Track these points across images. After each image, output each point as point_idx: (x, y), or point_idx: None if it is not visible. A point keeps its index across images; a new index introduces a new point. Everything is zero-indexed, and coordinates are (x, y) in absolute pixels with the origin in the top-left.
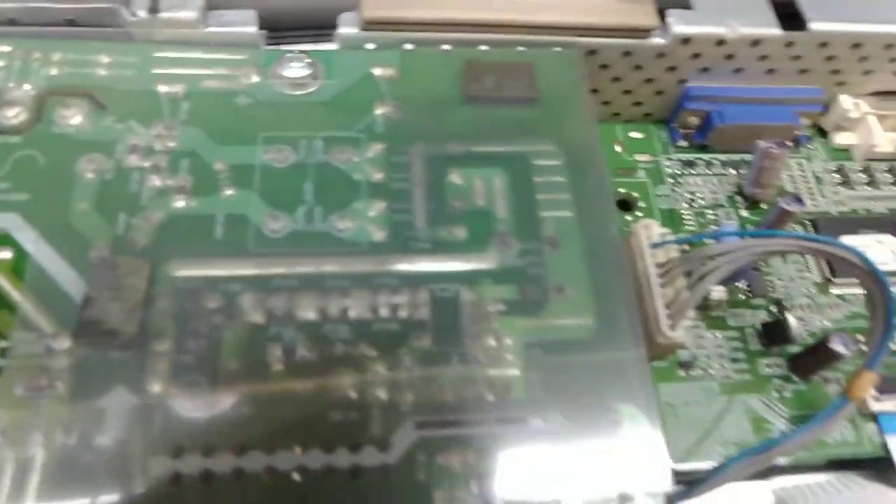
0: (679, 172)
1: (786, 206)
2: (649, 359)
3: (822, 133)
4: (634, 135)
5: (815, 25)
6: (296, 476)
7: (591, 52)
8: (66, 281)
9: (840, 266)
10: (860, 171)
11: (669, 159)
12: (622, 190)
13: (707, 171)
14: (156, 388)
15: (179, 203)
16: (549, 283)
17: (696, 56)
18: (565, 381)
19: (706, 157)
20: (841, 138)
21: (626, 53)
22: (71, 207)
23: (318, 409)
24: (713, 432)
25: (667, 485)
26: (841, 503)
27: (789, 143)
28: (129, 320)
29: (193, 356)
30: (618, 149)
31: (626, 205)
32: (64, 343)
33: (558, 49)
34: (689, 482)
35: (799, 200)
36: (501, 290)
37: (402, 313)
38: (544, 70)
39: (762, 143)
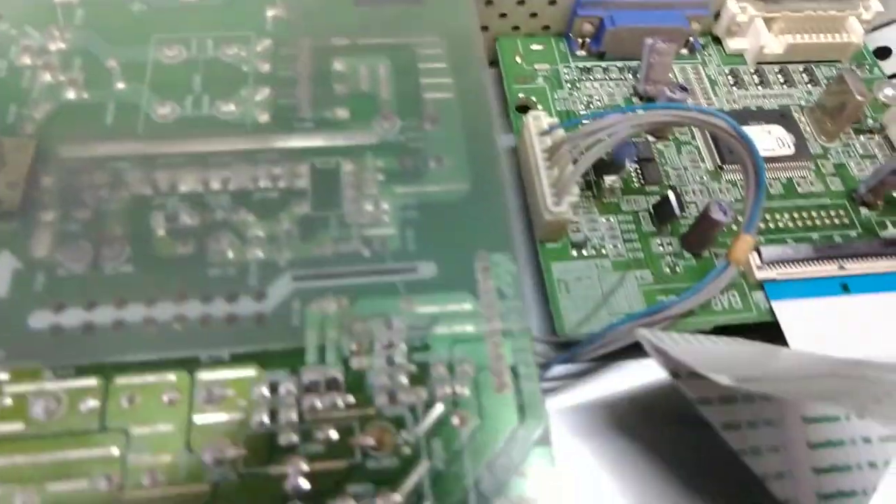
0: (577, 78)
1: (671, 95)
2: (541, 239)
3: (718, 41)
4: (535, 47)
5: None
6: (176, 326)
7: None
8: None
9: (723, 149)
10: (753, 74)
11: (568, 67)
12: (521, 95)
13: (604, 77)
14: (40, 252)
15: (70, 95)
16: (427, 154)
17: None
18: (438, 237)
19: (604, 64)
20: (733, 43)
21: None
22: None
23: (198, 267)
24: (604, 304)
25: (524, 321)
26: (709, 349)
27: (676, 43)
28: (13, 192)
29: (79, 224)
30: (518, 60)
31: (525, 108)
32: None
33: None
34: (571, 344)
35: (684, 89)
36: (381, 161)
37: (282, 183)
38: None
39: (649, 40)
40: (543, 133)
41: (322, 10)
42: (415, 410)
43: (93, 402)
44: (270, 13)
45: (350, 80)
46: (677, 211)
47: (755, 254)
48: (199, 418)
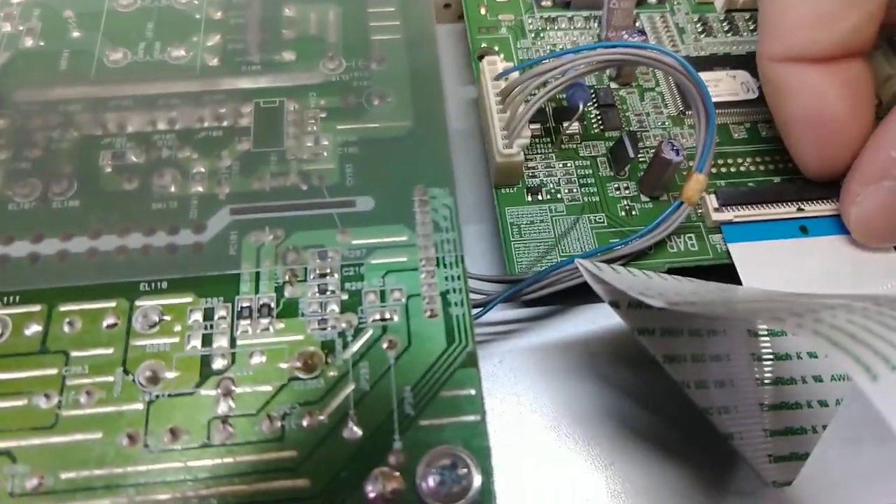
0: (541, 28)
1: (628, 38)
2: (497, 184)
3: None
4: None
5: None
6: (118, 257)
7: None
8: None
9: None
10: (722, 21)
11: (532, 17)
12: (484, 45)
13: (569, 26)
14: None
15: (28, 43)
16: (372, 92)
17: None
18: (377, 172)
19: (569, 13)
20: None
21: None
22: None
23: (141, 201)
24: (556, 247)
25: (458, 251)
26: (652, 280)
27: None
28: None
29: (29, 162)
30: (482, 11)
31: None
32: None
33: None
34: (520, 281)
35: (642, 32)
36: (324, 100)
37: (226, 122)
38: None
39: None
40: (498, 77)
41: None
42: (344, 336)
43: (36, 327)
44: None
45: (299, 25)
46: (631, 152)
47: (713, 196)
48: (137, 342)
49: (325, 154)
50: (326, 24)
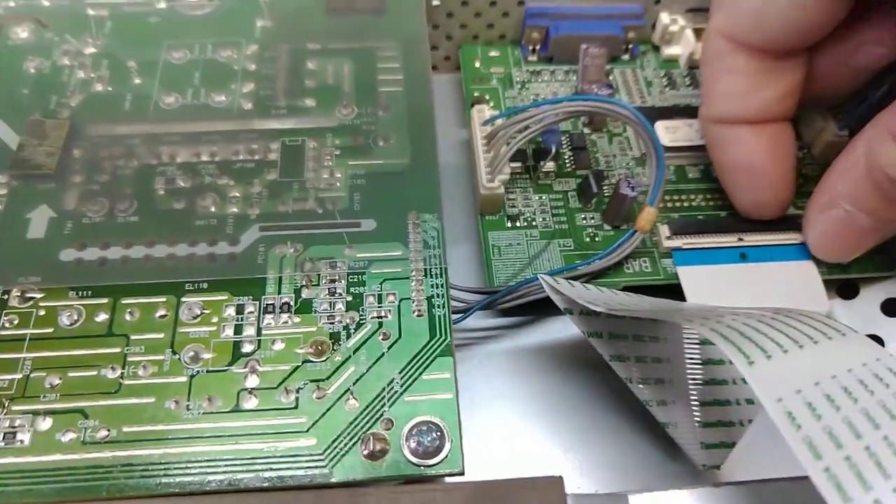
0: (527, 80)
1: (598, 91)
2: (482, 213)
3: (656, 48)
4: (493, 53)
5: None
6: (168, 262)
7: None
8: (8, 139)
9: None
10: (685, 76)
11: (520, 70)
12: (476, 94)
13: (551, 78)
14: (69, 205)
15: (98, 88)
16: (377, 134)
17: None
18: (379, 200)
19: (551, 67)
20: (668, 50)
21: None
22: (16, 91)
23: (187, 219)
24: (529, 266)
25: (442, 264)
26: (602, 293)
27: (609, 48)
28: (50, 159)
29: (99, 185)
30: (477, 64)
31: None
32: (1, 178)
33: None
34: (496, 292)
35: (609, 86)
36: (339, 140)
37: (258, 156)
38: None
39: (584, 46)
40: (485, 123)
41: (300, 19)
42: (348, 329)
43: (104, 316)
44: (259, 23)
45: (319, 76)
46: (595, 189)
47: (666, 226)
48: (182, 329)
49: (338, 184)
50: (342, 75)
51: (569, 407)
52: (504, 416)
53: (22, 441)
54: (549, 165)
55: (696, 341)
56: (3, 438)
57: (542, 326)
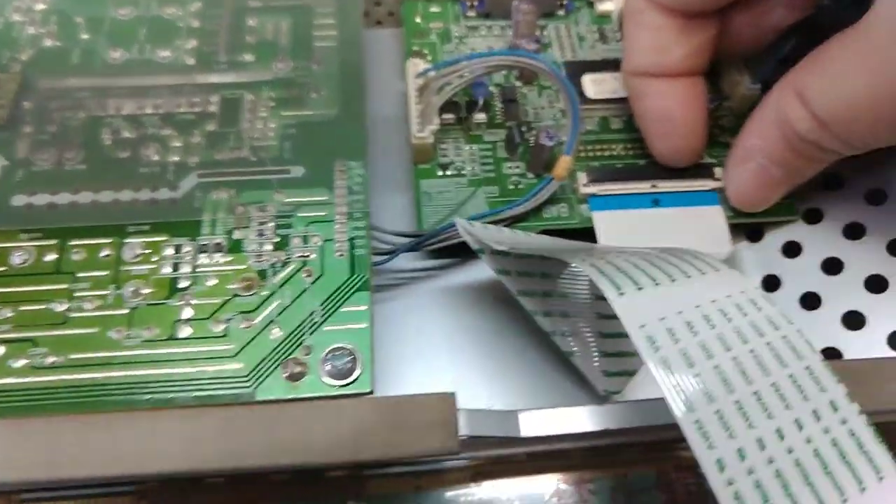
0: (464, 35)
1: (525, 46)
2: (415, 162)
3: (591, 5)
4: (433, 9)
5: None
6: (113, 207)
7: None
8: None
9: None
10: (616, 32)
11: (459, 26)
12: (416, 48)
13: (487, 34)
14: (21, 154)
15: (47, 43)
16: (310, 87)
17: None
18: (309, 148)
19: (488, 23)
20: (601, 6)
21: None
22: None
23: (131, 167)
24: (457, 211)
25: (365, 208)
26: (513, 235)
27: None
28: (2, 111)
29: (48, 135)
30: (418, 20)
31: (419, 57)
32: None
33: None
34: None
35: (537, 41)
36: (274, 93)
37: (198, 109)
38: None
39: (515, 2)
40: (418, 76)
41: None
42: (275, 266)
43: (52, 255)
44: None
45: (259, 32)
46: (517, 140)
47: (583, 173)
48: (125, 267)
49: (271, 134)
50: (280, 32)
51: (483, 339)
52: (422, 347)
53: None
54: (480, 116)
55: (560, 252)
56: None
57: (465, 267)
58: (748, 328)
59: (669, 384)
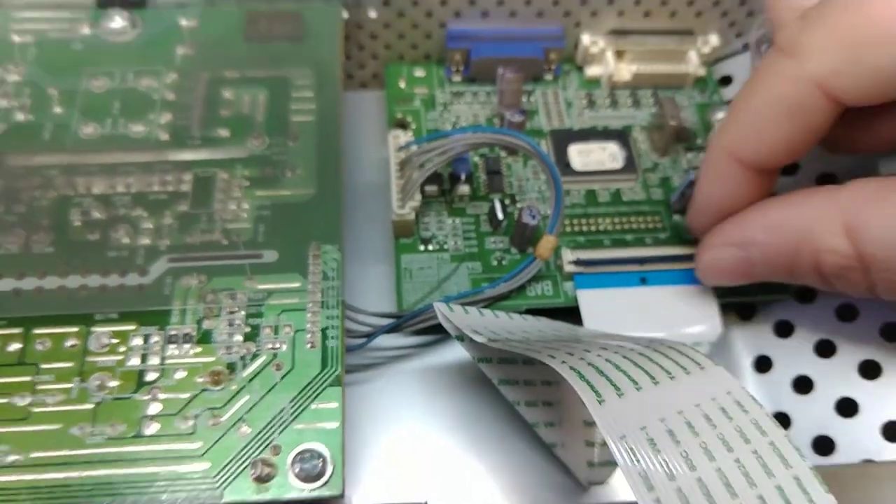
0: (449, 101)
1: (509, 118)
2: (396, 235)
3: (580, 68)
4: (418, 73)
5: None
6: (81, 293)
7: (356, 3)
8: None
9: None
10: (606, 97)
11: (443, 91)
12: (400, 115)
13: (473, 100)
14: None
15: (19, 117)
16: (286, 165)
17: (443, 3)
18: (283, 231)
19: (474, 88)
20: (589, 71)
21: (386, 3)
22: None
23: (100, 250)
24: (438, 288)
25: (339, 296)
26: (496, 319)
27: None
28: None
29: (15, 216)
30: (402, 84)
31: (402, 125)
32: None
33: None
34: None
35: (523, 112)
36: (248, 171)
37: (170, 188)
38: (310, 16)
39: (500, 70)
40: (400, 149)
41: (220, 47)
42: (244, 359)
43: (16, 345)
44: (180, 51)
45: (234, 106)
46: (500, 215)
47: (569, 251)
48: (91, 358)
49: (245, 215)
50: (257, 104)
51: (461, 426)
52: (396, 438)
53: None
54: (464, 189)
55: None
56: None
57: (445, 345)
58: (733, 434)
59: (650, 499)
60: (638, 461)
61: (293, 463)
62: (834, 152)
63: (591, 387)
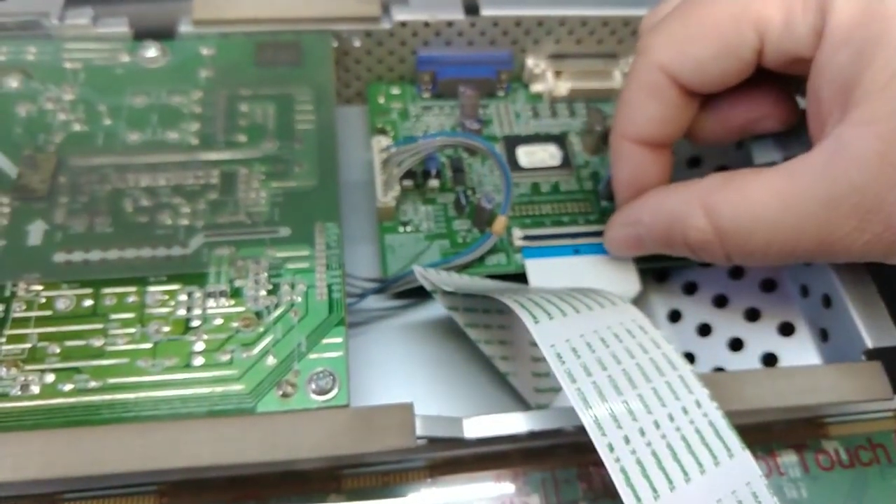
0: (420, 113)
1: (469, 125)
2: (379, 220)
3: (526, 86)
4: (394, 91)
5: (485, 11)
6: (136, 262)
7: (344, 33)
8: (9, 169)
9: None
10: (547, 109)
11: (415, 105)
12: (380, 125)
13: (439, 113)
14: (58, 220)
15: (76, 128)
16: (293, 163)
17: (414, 35)
18: (293, 213)
19: (440, 103)
20: (534, 87)
21: (368, 34)
22: (12, 131)
23: (150, 229)
24: (415, 260)
25: (340, 261)
26: (461, 279)
27: (480, 90)
28: (43, 185)
29: (80, 204)
30: (381, 100)
31: (382, 132)
32: (5, 199)
33: (315, 33)
34: (385, 280)
35: (480, 121)
36: (264, 167)
37: (202, 181)
38: (307, 45)
39: (461, 88)
40: (382, 151)
41: (235, 71)
42: (268, 308)
43: (89, 301)
44: (203, 74)
45: (250, 117)
46: (463, 203)
47: (517, 229)
48: (148, 310)
49: (263, 201)
50: (267, 116)
51: (436, 363)
52: (387, 370)
53: (33, 391)
54: (434, 183)
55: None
56: (21, 389)
57: (423, 305)
58: (635, 347)
59: (573, 389)
60: (563, 362)
61: (309, 381)
62: (700, 142)
63: (529, 312)
